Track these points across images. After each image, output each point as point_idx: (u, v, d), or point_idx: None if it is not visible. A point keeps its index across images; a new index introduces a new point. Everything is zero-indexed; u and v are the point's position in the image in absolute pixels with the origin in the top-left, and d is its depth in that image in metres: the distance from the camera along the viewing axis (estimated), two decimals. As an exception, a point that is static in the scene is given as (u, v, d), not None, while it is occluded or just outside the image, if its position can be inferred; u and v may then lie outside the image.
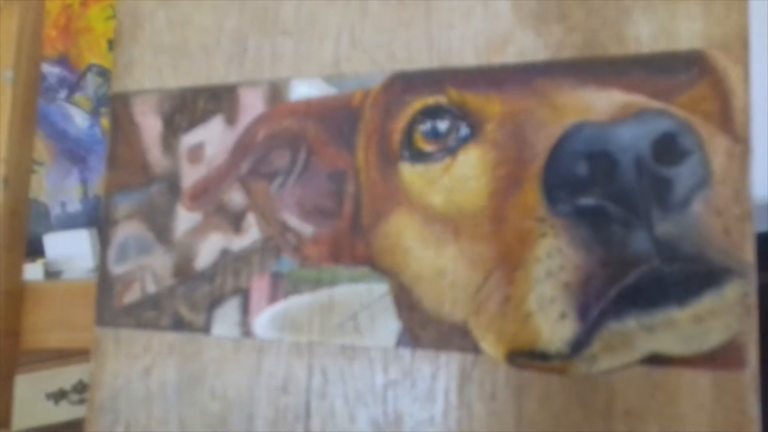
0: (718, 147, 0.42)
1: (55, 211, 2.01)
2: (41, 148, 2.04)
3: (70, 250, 1.62)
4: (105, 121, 1.81)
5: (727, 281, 0.40)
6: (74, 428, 1.36)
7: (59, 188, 2.02)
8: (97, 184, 1.84)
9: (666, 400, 0.41)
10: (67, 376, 1.38)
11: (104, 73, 1.86)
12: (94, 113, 1.86)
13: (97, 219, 1.72)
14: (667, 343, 0.41)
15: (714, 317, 0.40)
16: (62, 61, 2.15)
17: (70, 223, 1.82)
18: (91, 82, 1.88)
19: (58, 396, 1.38)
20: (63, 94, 2.11)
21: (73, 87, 1.89)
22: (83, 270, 1.56)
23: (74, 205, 1.88)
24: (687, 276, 0.41)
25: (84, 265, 1.57)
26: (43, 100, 2.09)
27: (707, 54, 0.43)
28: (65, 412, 1.37)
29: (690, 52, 0.43)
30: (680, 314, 0.41)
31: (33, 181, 2.03)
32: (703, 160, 0.41)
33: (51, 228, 1.98)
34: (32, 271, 1.74)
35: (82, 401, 1.39)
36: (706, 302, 0.40)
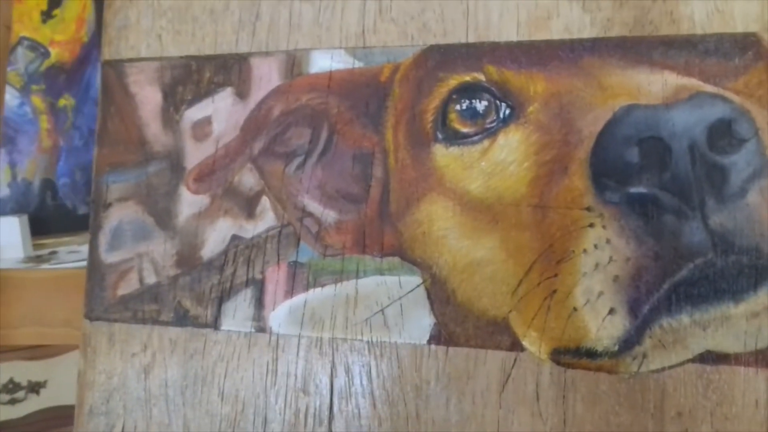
0: (774, 135, 0.40)
1: (-19, 195, 1.89)
2: (-34, 126, 1.92)
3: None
4: (36, 99, 1.70)
5: (784, 276, 0.39)
6: (6, 430, 1.28)
7: (-15, 171, 1.90)
8: (27, 168, 1.74)
9: (720, 399, 0.40)
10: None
11: (36, 48, 1.75)
12: (25, 90, 1.75)
13: (27, 205, 1.62)
14: (721, 340, 0.39)
15: (770, 313, 0.39)
16: (-8, 31, 2.02)
17: (-2, 209, 1.71)
18: (22, 56, 1.77)
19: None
20: (-9, 68, 1.98)
21: (2, 61, 1.78)
22: (13, 260, 1.46)
23: (1, 190, 1.77)
24: (742, 270, 0.39)
25: (14, 255, 1.47)
26: (-30, 74, 1.96)
27: (763, 38, 0.41)
28: (-11, 413, 1.29)
29: (745, 35, 0.42)
30: (735, 310, 0.39)
31: (-44, 162, 1.91)
32: (760, 149, 0.40)
33: (-24, 214, 1.85)
34: (-44, 263, 1.62)
35: (12, 401, 1.31)
36: (762, 297, 0.39)
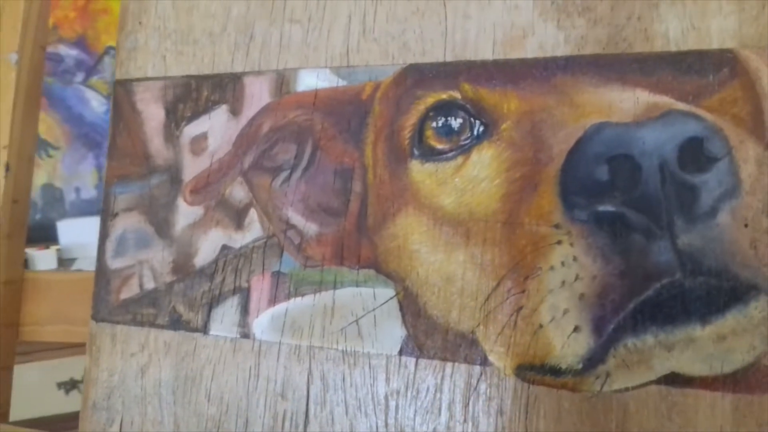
0: (747, 154, 0.39)
1: (70, 196, 2.00)
2: (57, 131, 2.04)
3: (84, 237, 1.59)
4: (124, 106, 1.78)
5: (753, 299, 0.38)
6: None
7: (74, 173, 2.01)
8: (114, 170, 1.82)
9: (683, 422, 0.39)
10: (78, 365, 1.36)
11: (123, 57, 1.83)
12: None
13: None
14: (686, 362, 0.39)
15: (738, 337, 0.38)
16: (80, 42, 2.14)
17: (84, 209, 1.81)
18: (109, 65, 1.87)
19: (69, 386, 1.36)
20: (80, 77, 2.10)
21: (91, 70, 1.87)
22: (98, 259, 1.54)
23: (89, 192, 1.86)
24: (710, 291, 0.38)
25: (99, 253, 1.55)
26: (60, 83, 2.08)
27: (739, 54, 0.40)
28: (76, 402, 1.36)
29: (721, 52, 0.41)
30: (702, 332, 0.38)
31: (48, 166, 2.04)
32: (732, 168, 0.39)
33: (65, 214, 1.97)
34: (46, 258, 1.73)
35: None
36: (730, 320, 0.38)
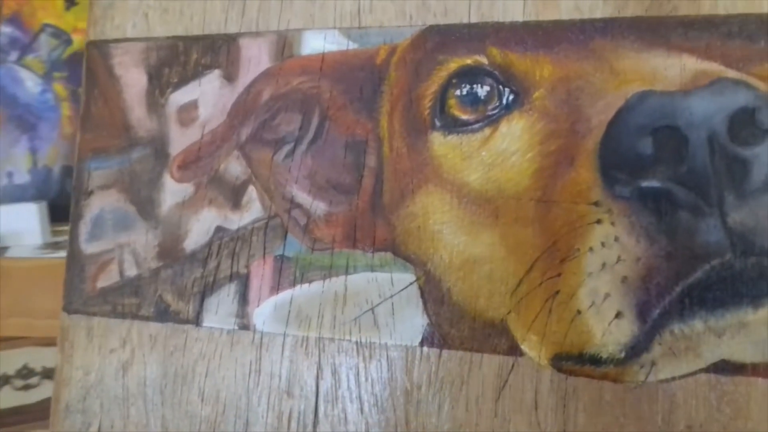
0: (802, 126, 0.37)
1: (2, 181, 1.90)
2: (-12, 113, 1.93)
3: (17, 224, 1.52)
4: (58, 87, 1.71)
5: (810, 281, 0.36)
6: (19, 416, 1.29)
7: (6, 157, 1.91)
8: (48, 154, 1.75)
9: (734, 412, 0.37)
10: (10, 360, 1.31)
11: (59, 35, 1.76)
12: (47, 77, 1.76)
13: (47, 192, 1.63)
14: (738, 348, 0.37)
15: (793, 321, 0.36)
16: (14, 20, 2.03)
17: (17, 195, 1.73)
18: (45, 43, 1.78)
19: (1, 381, 1.31)
20: (14, 55, 1.99)
21: (25, 48, 1.78)
22: (31, 247, 1.47)
23: (22, 176, 1.78)
24: (763, 273, 0.36)
25: (32, 241, 1.48)
26: (-8, 62, 1.97)
27: (794, 19, 0.38)
28: (9, 398, 1.31)
29: (774, 16, 0.38)
30: (754, 316, 0.36)
31: (-22, 148, 1.93)
32: (786, 141, 0.36)
33: (-3, 200, 1.87)
34: (-26, 248, 1.64)
35: (26, 387, 1.33)
36: (786, 304, 0.36)
